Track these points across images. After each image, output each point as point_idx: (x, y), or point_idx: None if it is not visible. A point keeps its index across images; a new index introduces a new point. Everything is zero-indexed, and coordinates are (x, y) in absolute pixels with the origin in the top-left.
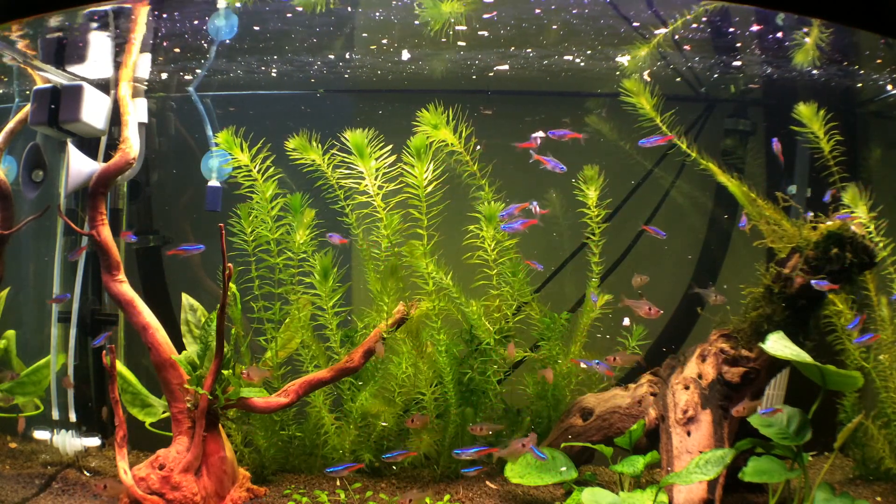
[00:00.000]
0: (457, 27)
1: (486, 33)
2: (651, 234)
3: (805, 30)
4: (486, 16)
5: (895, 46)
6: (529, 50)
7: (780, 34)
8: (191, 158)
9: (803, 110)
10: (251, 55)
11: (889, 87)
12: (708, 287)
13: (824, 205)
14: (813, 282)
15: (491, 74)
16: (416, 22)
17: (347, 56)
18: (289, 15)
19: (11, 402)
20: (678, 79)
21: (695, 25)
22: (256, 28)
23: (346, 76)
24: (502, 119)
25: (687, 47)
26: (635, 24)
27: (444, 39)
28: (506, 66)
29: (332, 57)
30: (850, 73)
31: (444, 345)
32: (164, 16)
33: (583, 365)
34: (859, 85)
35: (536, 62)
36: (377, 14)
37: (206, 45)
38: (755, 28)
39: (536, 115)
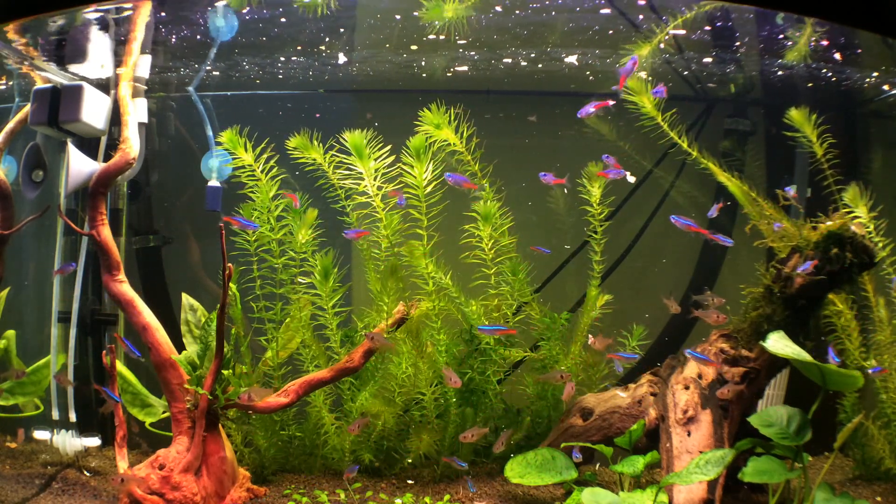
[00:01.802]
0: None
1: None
2: (716, 241)
3: (798, 31)
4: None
5: (895, 46)
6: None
7: (779, 33)
8: (191, 158)
9: (795, 115)
10: (251, 55)
11: (886, 87)
12: (703, 292)
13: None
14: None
15: (449, 74)
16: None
17: (348, 56)
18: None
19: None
20: (648, 78)
21: (695, 25)
22: (256, 27)
23: (347, 76)
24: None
25: (662, 44)
26: (637, 23)
27: (460, 36)
28: (464, 67)
29: (331, 56)
30: (850, 72)
31: (444, 345)
32: (163, 14)
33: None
34: (864, 84)
35: (534, 62)
36: (377, 15)
37: (206, 44)
38: (755, 28)
39: (497, 112)
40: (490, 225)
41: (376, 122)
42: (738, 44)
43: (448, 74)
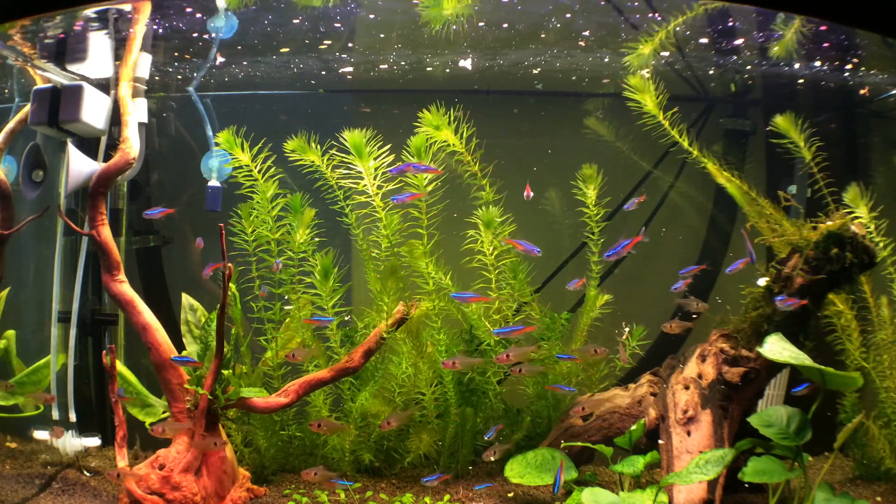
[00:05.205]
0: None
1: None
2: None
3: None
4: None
5: (895, 46)
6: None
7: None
8: (191, 158)
9: (780, 121)
10: (251, 54)
11: (865, 91)
12: (686, 297)
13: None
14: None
15: (448, 72)
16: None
17: (347, 55)
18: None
19: None
20: (641, 73)
21: (695, 24)
22: (256, 27)
23: (346, 76)
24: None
25: (662, 43)
26: (635, 21)
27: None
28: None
29: (331, 56)
30: (849, 72)
31: (444, 345)
32: (171, 12)
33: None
34: (863, 83)
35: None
36: (376, 14)
37: (205, 44)
38: (755, 27)
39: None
40: (491, 231)
41: (379, 116)
42: (737, 42)
43: (447, 72)
